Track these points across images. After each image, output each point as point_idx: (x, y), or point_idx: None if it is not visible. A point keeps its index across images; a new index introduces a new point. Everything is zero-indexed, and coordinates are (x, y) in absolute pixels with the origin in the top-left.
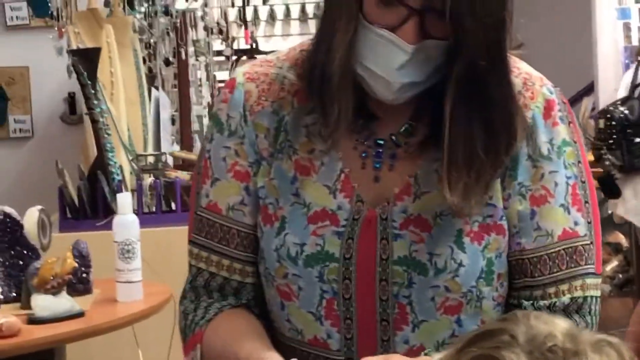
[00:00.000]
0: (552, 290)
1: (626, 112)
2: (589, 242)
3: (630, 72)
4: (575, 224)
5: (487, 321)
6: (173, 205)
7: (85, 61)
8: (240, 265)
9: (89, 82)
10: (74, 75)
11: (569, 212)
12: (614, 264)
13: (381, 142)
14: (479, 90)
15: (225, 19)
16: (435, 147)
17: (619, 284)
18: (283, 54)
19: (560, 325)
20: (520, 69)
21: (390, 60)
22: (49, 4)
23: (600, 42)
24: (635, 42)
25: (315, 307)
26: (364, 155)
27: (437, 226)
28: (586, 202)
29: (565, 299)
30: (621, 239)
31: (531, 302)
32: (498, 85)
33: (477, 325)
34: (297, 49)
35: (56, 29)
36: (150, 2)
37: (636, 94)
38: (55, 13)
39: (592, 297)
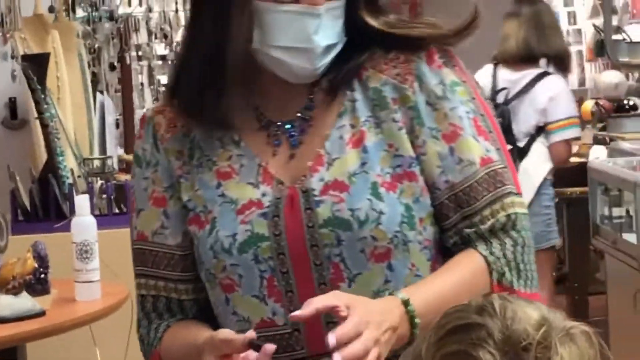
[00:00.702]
0: (487, 212)
1: (499, 119)
2: (503, 165)
3: (483, 73)
4: (487, 150)
5: (417, 266)
6: (124, 208)
7: (35, 66)
8: (173, 284)
9: (38, 87)
10: (17, 80)
11: (478, 142)
12: None
13: (289, 124)
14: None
15: (169, 24)
16: (335, 115)
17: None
18: None
19: (533, 317)
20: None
21: (305, 30)
22: None
23: None
24: None
25: (257, 289)
26: (276, 143)
27: (353, 184)
28: (490, 131)
29: (501, 217)
30: None
31: (473, 229)
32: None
33: (408, 269)
34: None
35: (0, 34)
36: (94, 8)
37: (500, 99)
38: None
39: (522, 213)
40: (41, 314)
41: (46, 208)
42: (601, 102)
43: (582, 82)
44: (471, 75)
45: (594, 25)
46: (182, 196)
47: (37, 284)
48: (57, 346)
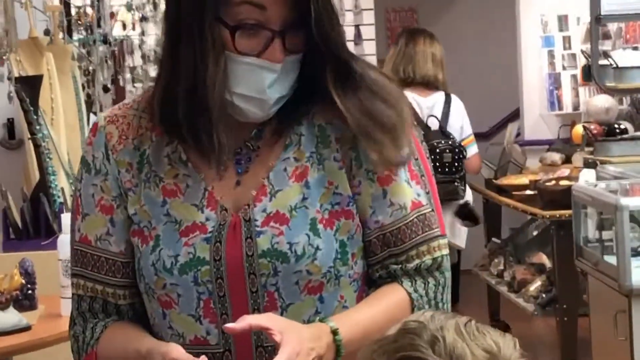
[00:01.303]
0: (413, 253)
1: (451, 144)
2: (430, 209)
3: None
4: (418, 195)
5: (345, 297)
6: None
7: (28, 88)
8: (111, 289)
9: (31, 108)
10: (14, 101)
11: (410, 186)
12: (537, 284)
13: (239, 150)
14: (351, 76)
15: None
16: (282, 147)
17: (542, 304)
18: (139, 96)
19: (480, 355)
20: None
21: (262, 82)
22: None
23: (526, 69)
24: (558, 69)
25: (194, 310)
26: (222, 168)
27: (293, 218)
28: (422, 175)
29: (427, 259)
30: (544, 260)
31: (400, 266)
32: (361, 68)
33: (337, 301)
34: (150, 91)
35: None
36: (89, 31)
37: (434, 125)
38: None
39: (446, 255)
40: (27, 328)
41: (37, 226)
42: (592, 126)
43: (576, 106)
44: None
45: (582, 51)
46: (129, 208)
47: (24, 300)
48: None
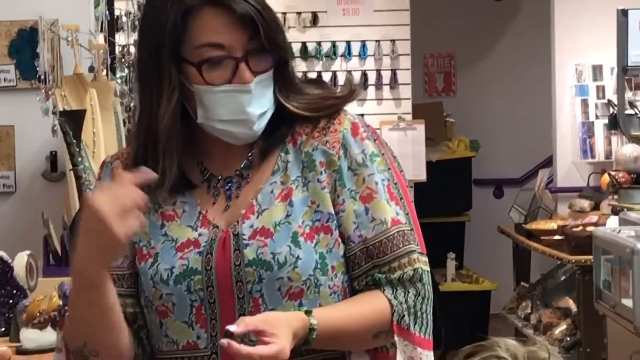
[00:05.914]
0: (395, 264)
1: None
2: (409, 228)
3: None
4: (397, 214)
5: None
6: None
7: (72, 122)
8: (120, 299)
9: (74, 140)
10: (57, 134)
11: (390, 205)
12: (562, 327)
13: (229, 179)
14: (294, 81)
15: None
16: (270, 172)
17: (566, 347)
18: None
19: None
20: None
21: (240, 104)
22: (37, 69)
23: (560, 117)
24: (592, 118)
25: (187, 316)
26: (216, 194)
27: (277, 232)
28: (401, 198)
29: (409, 270)
30: (570, 304)
31: (384, 275)
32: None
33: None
34: None
35: (43, 91)
36: (132, 69)
37: None
38: (42, 77)
39: (426, 270)
40: None
41: None
42: (621, 174)
43: (608, 154)
44: (389, 148)
45: (609, 101)
46: None
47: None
48: None
